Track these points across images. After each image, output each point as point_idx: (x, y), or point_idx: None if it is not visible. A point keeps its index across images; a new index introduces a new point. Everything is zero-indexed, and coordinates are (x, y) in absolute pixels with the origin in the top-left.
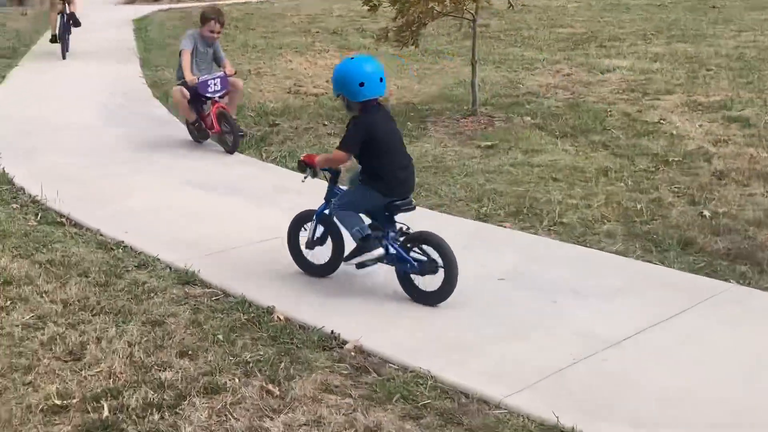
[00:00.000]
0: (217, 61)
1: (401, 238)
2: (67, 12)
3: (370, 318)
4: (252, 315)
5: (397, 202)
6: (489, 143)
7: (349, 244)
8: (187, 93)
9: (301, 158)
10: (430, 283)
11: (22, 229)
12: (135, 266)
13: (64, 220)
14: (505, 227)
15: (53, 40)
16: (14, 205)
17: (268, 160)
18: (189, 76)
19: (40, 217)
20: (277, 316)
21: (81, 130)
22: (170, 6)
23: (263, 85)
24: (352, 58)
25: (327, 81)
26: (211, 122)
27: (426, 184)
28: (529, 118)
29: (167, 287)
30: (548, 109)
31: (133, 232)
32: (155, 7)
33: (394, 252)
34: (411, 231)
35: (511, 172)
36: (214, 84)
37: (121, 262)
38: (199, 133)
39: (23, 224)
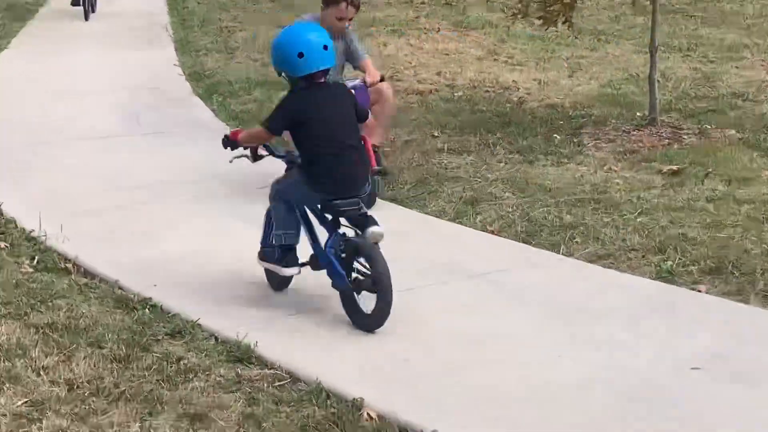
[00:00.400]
0: (352, 60)
1: (342, 248)
2: None
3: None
4: (331, 410)
5: (337, 202)
6: (674, 167)
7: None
8: None
9: (228, 134)
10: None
11: (13, 277)
12: (167, 334)
13: (70, 265)
14: (699, 291)
15: (74, 2)
16: (1, 244)
17: None
18: None
19: (38, 262)
20: (368, 413)
21: (95, 140)
22: None
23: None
24: (292, 25)
25: (438, 73)
26: None
27: (581, 224)
28: (733, 132)
29: (212, 366)
30: (762, 119)
31: (165, 286)
32: None
33: (328, 263)
34: (351, 239)
35: (707, 211)
36: None
37: (147, 329)
38: None
39: (14, 271)
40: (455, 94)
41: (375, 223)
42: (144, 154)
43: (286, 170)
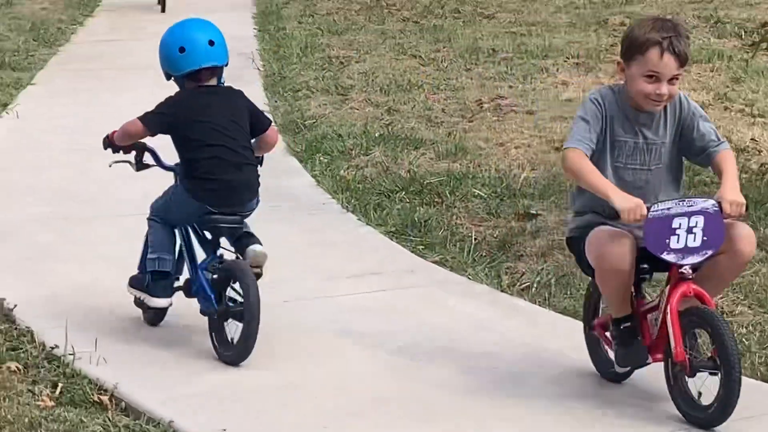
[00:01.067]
0: (692, 153)
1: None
2: None
3: None
4: None
5: (215, 216)
6: None
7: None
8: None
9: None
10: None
11: (27, 414)
12: None
13: (105, 398)
14: None
15: None
16: (12, 365)
17: (512, 288)
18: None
19: (61, 392)
20: None
21: (140, 217)
22: None
23: (509, 133)
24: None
25: None
26: (654, 331)
27: None
28: None
29: None
30: None
31: (239, 430)
32: None
33: (199, 285)
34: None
35: None
36: (689, 231)
37: None
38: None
39: (28, 405)
40: None
41: (257, 241)
42: None
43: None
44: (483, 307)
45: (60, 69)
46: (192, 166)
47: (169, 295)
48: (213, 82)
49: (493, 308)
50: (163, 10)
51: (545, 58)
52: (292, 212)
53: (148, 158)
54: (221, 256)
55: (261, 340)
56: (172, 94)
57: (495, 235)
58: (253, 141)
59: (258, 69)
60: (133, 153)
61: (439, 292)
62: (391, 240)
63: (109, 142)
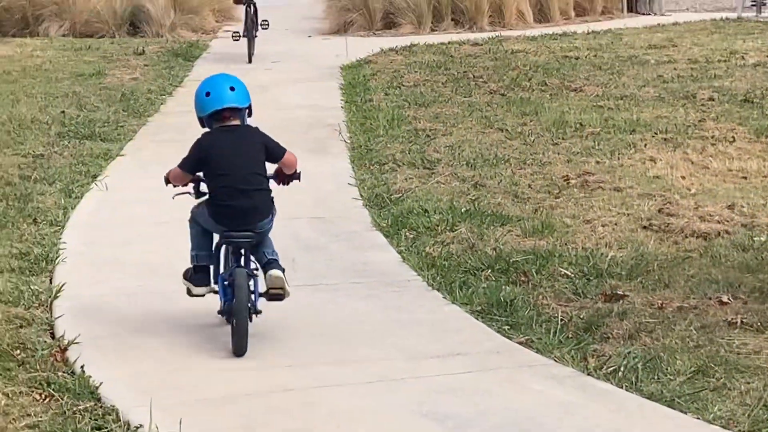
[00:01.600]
0: None
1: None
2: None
3: None
4: None
5: (231, 233)
6: None
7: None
8: None
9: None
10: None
11: None
12: None
13: None
14: None
15: (237, 37)
16: None
17: (598, 371)
18: None
19: None
20: None
21: None
22: (418, 38)
23: (596, 210)
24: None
25: (730, 206)
26: None
27: None
28: None
29: None
30: None
31: None
32: (387, 41)
33: (246, 289)
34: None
35: None
36: None
37: None
38: None
39: None
40: (756, 239)
41: (276, 267)
42: (298, 315)
43: None
44: (568, 390)
45: (148, 140)
46: (212, 194)
47: (207, 284)
48: (236, 121)
49: (578, 392)
50: (249, 61)
51: (633, 133)
52: (376, 289)
53: (203, 187)
54: (239, 265)
55: (344, 419)
56: (199, 136)
57: (581, 316)
58: (276, 166)
59: (345, 141)
60: (191, 185)
61: (524, 375)
62: (477, 319)
63: (168, 181)
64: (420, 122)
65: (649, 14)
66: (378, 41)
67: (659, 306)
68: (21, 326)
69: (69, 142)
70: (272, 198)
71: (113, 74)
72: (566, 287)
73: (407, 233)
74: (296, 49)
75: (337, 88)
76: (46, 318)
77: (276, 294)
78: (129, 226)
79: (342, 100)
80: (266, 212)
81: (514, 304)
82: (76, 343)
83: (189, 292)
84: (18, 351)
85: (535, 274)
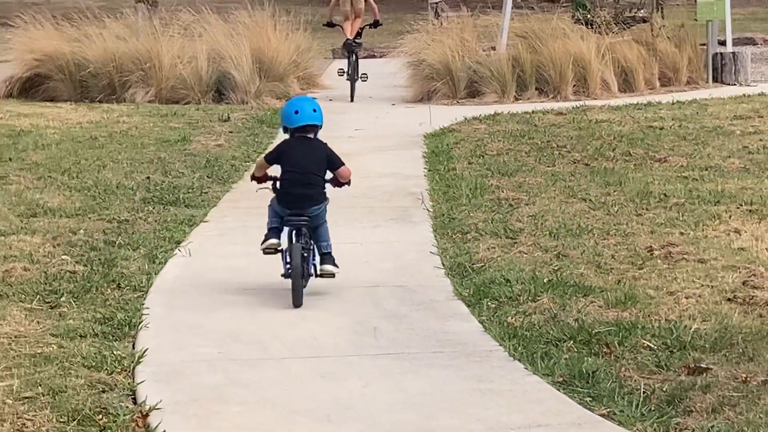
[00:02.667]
0: None
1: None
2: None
3: None
4: None
5: (289, 217)
6: None
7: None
8: None
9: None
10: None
11: None
12: None
13: None
14: None
15: (341, 73)
16: None
17: None
18: None
19: None
20: None
21: (310, 360)
22: (501, 107)
23: (679, 282)
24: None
25: None
26: None
27: None
28: None
29: None
30: None
31: None
32: (470, 110)
33: (301, 257)
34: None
35: None
36: None
37: None
38: None
39: None
40: None
41: (330, 262)
42: (379, 386)
43: None
44: None
45: (232, 206)
46: (280, 183)
47: (274, 238)
48: (311, 134)
49: None
50: (351, 100)
51: (717, 205)
52: (457, 358)
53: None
54: (297, 240)
55: None
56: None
57: (664, 389)
58: (332, 174)
59: (427, 210)
60: (270, 182)
61: None
62: (558, 390)
63: (253, 177)
64: (503, 191)
65: (735, 84)
66: (461, 110)
67: (743, 380)
68: (103, 391)
69: (153, 208)
70: (324, 193)
71: (198, 140)
72: (649, 359)
73: (489, 303)
74: (380, 117)
75: (420, 157)
76: (128, 383)
77: (326, 277)
78: (211, 292)
79: (425, 168)
80: (317, 201)
81: (596, 376)
82: (157, 408)
83: (262, 245)
84: (100, 416)
85: (617, 346)
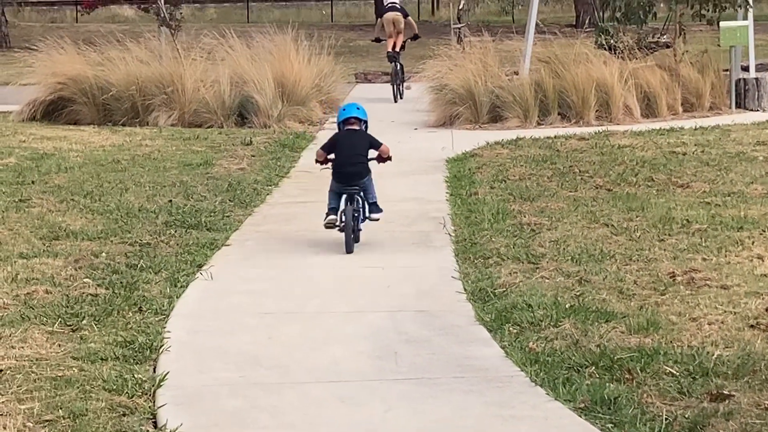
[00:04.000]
0: None
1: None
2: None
3: None
4: None
5: (344, 187)
6: None
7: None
8: None
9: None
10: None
11: None
12: None
13: None
14: None
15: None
16: None
17: None
18: None
19: None
20: None
21: (331, 385)
22: (524, 132)
23: (702, 308)
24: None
25: None
26: None
27: None
28: None
29: None
30: None
31: None
32: (492, 134)
33: (352, 215)
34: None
35: None
36: None
37: None
38: None
39: None
40: None
41: (375, 210)
42: (400, 411)
43: None
44: None
45: (254, 230)
46: (334, 164)
47: (333, 215)
48: (356, 127)
49: None
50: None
51: (740, 231)
52: (478, 384)
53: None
54: (349, 204)
55: None
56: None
57: (686, 416)
58: (375, 152)
59: (449, 234)
60: (330, 164)
61: None
62: (580, 416)
63: (316, 161)
64: (525, 216)
65: (758, 110)
66: (484, 134)
67: (766, 407)
68: (124, 414)
69: (175, 231)
70: (368, 168)
71: (220, 164)
72: (671, 386)
73: (510, 328)
74: (402, 141)
75: (442, 181)
76: (149, 407)
77: (373, 220)
78: (233, 316)
79: (447, 192)
80: (363, 175)
81: (618, 402)
82: None
83: (324, 221)
84: None
85: (639, 372)
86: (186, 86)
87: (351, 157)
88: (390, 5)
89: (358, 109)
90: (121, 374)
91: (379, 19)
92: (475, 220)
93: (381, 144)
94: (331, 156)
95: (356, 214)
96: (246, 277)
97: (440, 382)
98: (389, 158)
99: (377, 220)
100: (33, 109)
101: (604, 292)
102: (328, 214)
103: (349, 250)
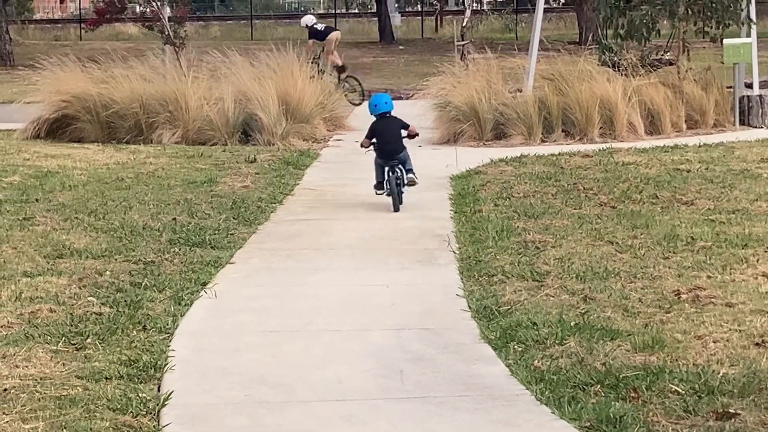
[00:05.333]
0: None
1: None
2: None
3: None
4: None
5: (386, 161)
6: None
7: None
8: None
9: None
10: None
11: None
12: None
13: None
14: None
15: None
16: None
17: None
18: None
19: None
20: None
21: (335, 404)
22: (528, 149)
23: (708, 327)
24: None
25: None
26: None
27: None
28: None
29: None
30: None
31: None
32: (496, 152)
33: (396, 181)
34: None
35: None
36: None
37: None
38: None
39: None
40: None
41: (411, 172)
42: (405, 430)
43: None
44: None
45: (258, 248)
46: (378, 148)
47: (381, 189)
48: (388, 114)
49: None
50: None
51: (745, 248)
52: (483, 402)
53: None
54: (392, 173)
55: None
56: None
57: None
58: (405, 131)
59: (453, 252)
60: (372, 147)
61: None
62: None
63: (362, 146)
64: (529, 234)
65: (761, 127)
66: (488, 152)
67: None
68: None
69: (180, 249)
70: (404, 144)
71: (224, 182)
72: (677, 404)
73: (515, 346)
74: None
75: (446, 198)
76: (153, 426)
77: (411, 185)
78: (237, 334)
79: (451, 210)
80: (400, 150)
81: (624, 421)
82: None
83: (375, 188)
84: None
85: (645, 390)
86: (190, 104)
87: (389, 139)
88: (326, 28)
89: (386, 103)
90: (125, 393)
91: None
92: (479, 237)
93: (409, 125)
94: (374, 140)
95: (398, 182)
96: (250, 296)
97: (445, 401)
98: (417, 134)
99: (413, 183)
100: (37, 127)
101: (609, 310)
102: (376, 186)
103: (396, 209)
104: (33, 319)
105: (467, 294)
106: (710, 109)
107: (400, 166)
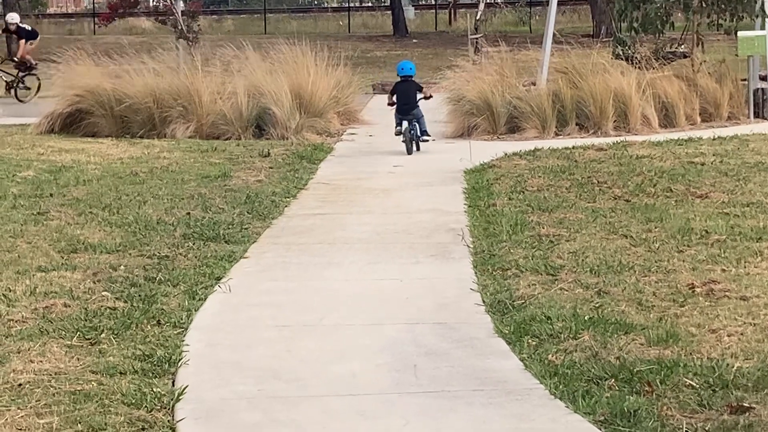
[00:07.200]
0: None
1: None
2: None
3: None
4: None
5: (403, 116)
6: None
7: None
8: None
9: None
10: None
11: None
12: None
13: None
14: None
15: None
16: None
17: None
18: None
19: None
20: None
21: (349, 398)
22: (542, 142)
23: (722, 320)
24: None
25: None
26: None
27: None
28: None
29: None
30: None
31: None
32: (510, 145)
33: (410, 131)
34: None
35: None
36: None
37: None
38: None
39: None
40: None
41: (425, 134)
42: (419, 424)
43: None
44: None
45: (272, 242)
46: (396, 103)
47: (400, 133)
48: (409, 77)
49: None
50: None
51: (759, 241)
52: (497, 396)
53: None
54: (408, 124)
55: None
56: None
57: (707, 428)
58: (421, 94)
59: (467, 246)
60: (395, 104)
61: None
62: (600, 429)
63: (389, 103)
64: (543, 228)
65: None
66: (502, 145)
67: None
68: (143, 429)
69: (194, 244)
70: (417, 104)
71: (238, 176)
72: (691, 398)
73: (530, 340)
74: (420, 152)
75: (460, 192)
76: (168, 421)
77: (424, 142)
78: (251, 329)
79: (465, 204)
80: (414, 107)
81: (638, 415)
82: None
83: (395, 132)
84: None
85: (659, 384)
86: (203, 98)
87: (405, 99)
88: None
89: (410, 69)
90: (139, 388)
91: None
92: (493, 231)
93: (423, 87)
94: (394, 98)
95: (412, 131)
96: (264, 290)
97: (459, 395)
98: (431, 96)
99: (427, 141)
100: (51, 121)
101: (623, 304)
102: (397, 127)
103: (409, 153)
104: (47, 313)
105: (481, 288)
106: (724, 101)
107: (415, 122)
